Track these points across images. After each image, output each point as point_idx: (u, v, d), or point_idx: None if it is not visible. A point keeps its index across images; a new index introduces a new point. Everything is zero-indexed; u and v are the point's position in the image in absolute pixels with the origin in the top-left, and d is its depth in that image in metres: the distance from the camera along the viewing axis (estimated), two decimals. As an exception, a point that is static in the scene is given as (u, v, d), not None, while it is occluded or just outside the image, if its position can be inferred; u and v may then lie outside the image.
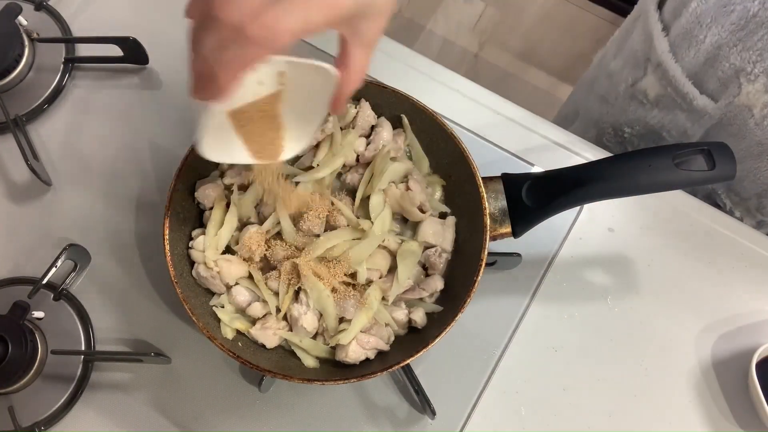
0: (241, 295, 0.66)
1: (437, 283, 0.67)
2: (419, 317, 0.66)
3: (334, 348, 0.65)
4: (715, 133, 0.77)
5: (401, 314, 0.66)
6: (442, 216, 0.70)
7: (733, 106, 0.72)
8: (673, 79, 0.76)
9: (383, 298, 0.66)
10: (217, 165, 0.70)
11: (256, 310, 0.66)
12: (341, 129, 0.70)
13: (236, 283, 0.67)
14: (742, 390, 0.69)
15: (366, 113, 0.71)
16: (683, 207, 0.76)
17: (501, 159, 0.78)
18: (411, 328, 0.67)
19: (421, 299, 0.67)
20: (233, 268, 0.66)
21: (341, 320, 0.65)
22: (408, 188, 0.69)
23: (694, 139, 0.80)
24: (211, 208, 0.68)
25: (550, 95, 1.85)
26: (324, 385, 0.65)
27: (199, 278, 0.66)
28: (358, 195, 0.69)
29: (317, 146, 0.70)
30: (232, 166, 0.70)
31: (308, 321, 0.64)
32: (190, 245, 0.67)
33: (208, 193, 0.68)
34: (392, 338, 0.66)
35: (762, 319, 0.72)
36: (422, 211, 0.68)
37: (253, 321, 0.66)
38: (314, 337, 0.66)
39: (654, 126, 0.84)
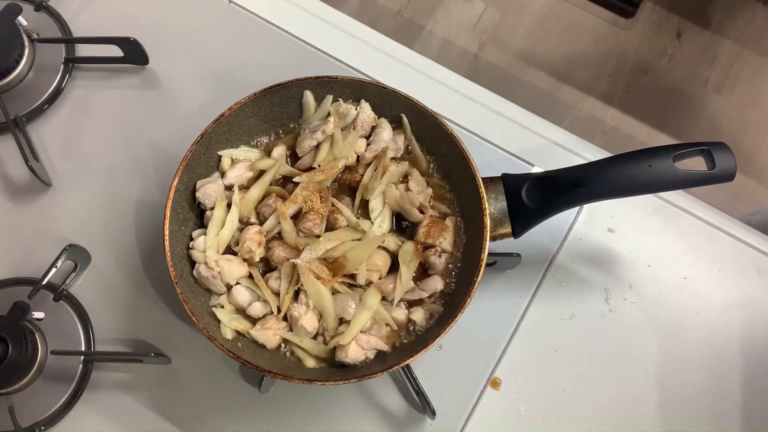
0: (241, 294, 0.66)
1: (437, 284, 0.67)
2: (419, 317, 0.66)
3: (334, 348, 0.65)
4: None
5: (401, 314, 0.66)
6: (443, 216, 0.70)
7: None
8: None
9: (383, 299, 0.66)
10: (217, 165, 0.71)
11: (257, 309, 0.66)
12: (342, 130, 0.70)
13: (237, 283, 0.67)
14: (743, 389, 0.69)
15: (366, 114, 0.71)
16: (683, 207, 0.76)
17: (501, 159, 0.78)
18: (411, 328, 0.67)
19: (421, 300, 0.67)
20: (234, 268, 0.66)
21: (341, 321, 0.65)
22: (408, 188, 0.69)
23: None
24: (212, 208, 0.68)
25: (550, 95, 1.85)
26: (324, 386, 0.65)
27: (200, 278, 0.66)
28: (358, 196, 0.69)
29: (318, 147, 0.70)
30: (233, 166, 0.70)
31: (308, 321, 0.64)
32: (190, 245, 0.67)
33: (209, 192, 0.68)
34: (392, 338, 0.66)
35: (762, 318, 0.72)
36: (422, 212, 0.68)
37: (253, 321, 0.66)
38: (314, 337, 0.66)
39: None
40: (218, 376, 0.70)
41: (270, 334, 0.64)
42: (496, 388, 0.70)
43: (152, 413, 0.69)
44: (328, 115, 0.71)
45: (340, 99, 0.72)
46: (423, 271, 0.69)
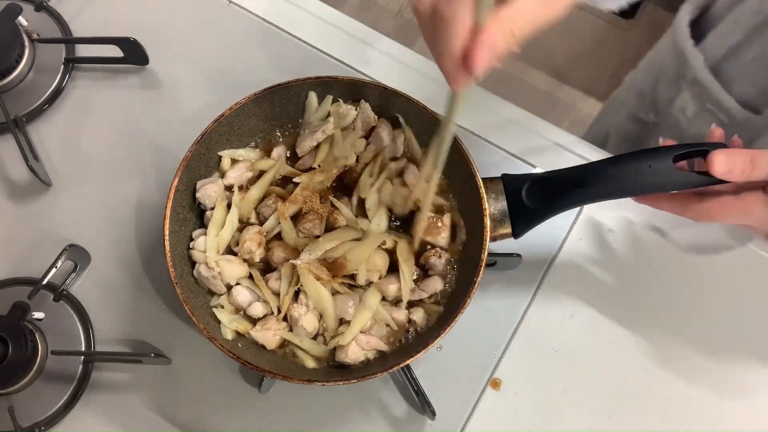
0: (242, 295, 0.66)
1: (437, 284, 0.67)
2: (419, 317, 0.66)
3: (334, 349, 0.65)
4: (756, 144, 0.77)
5: (401, 314, 0.66)
6: (439, 211, 0.70)
7: None
8: (712, 94, 0.77)
9: (383, 299, 0.66)
10: (217, 165, 0.71)
11: (257, 310, 0.66)
12: (342, 130, 0.70)
13: (237, 284, 0.67)
14: (741, 388, 0.69)
15: (366, 114, 0.71)
16: (683, 207, 0.76)
17: (501, 160, 0.78)
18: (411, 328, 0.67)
19: (421, 300, 0.67)
20: (234, 269, 0.66)
21: (341, 321, 0.65)
22: (404, 183, 0.69)
23: None
24: (212, 209, 0.68)
25: (550, 96, 1.86)
26: (324, 386, 0.65)
27: (200, 278, 0.66)
28: (355, 195, 0.69)
29: (318, 147, 0.70)
30: (233, 166, 0.70)
31: (308, 322, 0.64)
32: (190, 246, 0.67)
33: (209, 193, 0.68)
34: (392, 338, 0.66)
35: (763, 317, 0.72)
36: (417, 207, 0.68)
37: (254, 322, 0.66)
38: (314, 337, 0.66)
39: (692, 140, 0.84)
40: (218, 377, 0.70)
41: (270, 334, 0.64)
42: (496, 388, 0.70)
43: (152, 413, 0.69)
44: (328, 115, 0.71)
45: (340, 99, 0.72)
46: (423, 272, 0.69)
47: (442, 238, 0.68)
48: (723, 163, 0.55)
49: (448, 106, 0.54)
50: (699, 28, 0.80)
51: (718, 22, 0.77)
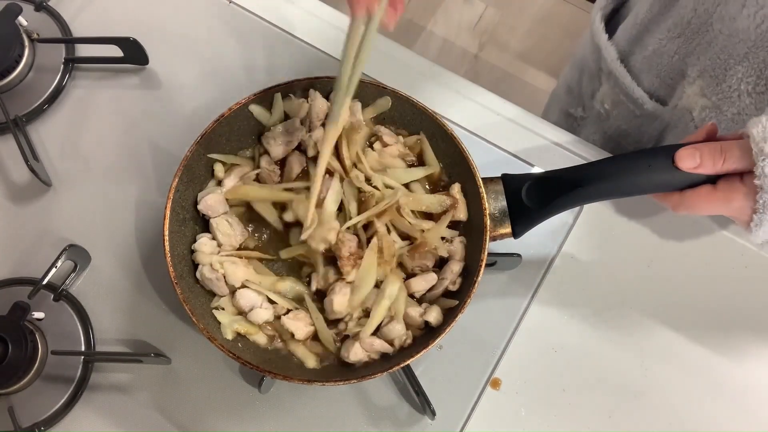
0: (245, 298, 0.65)
1: (454, 266, 0.66)
2: (434, 317, 0.64)
3: (338, 348, 0.65)
4: (666, 136, 0.79)
5: (416, 312, 0.65)
6: (445, 187, 0.70)
7: (678, 110, 0.74)
8: (624, 86, 0.79)
9: (412, 296, 0.66)
10: (211, 174, 0.70)
11: (258, 316, 0.65)
12: (300, 122, 0.70)
13: (242, 286, 0.66)
14: (741, 389, 0.69)
15: (319, 103, 0.70)
16: (683, 207, 0.76)
17: (501, 159, 0.78)
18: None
19: (445, 290, 0.66)
20: (239, 271, 0.65)
21: (363, 313, 0.65)
22: (385, 144, 0.69)
23: (650, 143, 0.82)
24: (218, 216, 0.67)
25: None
26: (324, 386, 0.65)
27: (203, 279, 0.66)
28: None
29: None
30: (228, 173, 0.70)
31: (339, 301, 0.63)
32: (193, 248, 0.67)
33: (210, 204, 0.67)
34: (409, 340, 0.65)
35: (762, 318, 0.72)
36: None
37: (254, 324, 0.66)
38: (333, 324, 0.66)
39: (613, 134, 0.86)
40: (218, 377, 0.70)
41: (301, 324, 0.64)
42: (496, 388, 0.70)
43: (152, 413, 0.69)
44: (286, 116, 0.71)
45: (291, 95, 0.71)
46: (441, 260, 0.68)
47: (460, 212, 0.67)
48: (689, 158, 0.56)
49: (350, 38, 0.58)
50: (614, 22, 0.83)
51: (628, 15, 0.79)
